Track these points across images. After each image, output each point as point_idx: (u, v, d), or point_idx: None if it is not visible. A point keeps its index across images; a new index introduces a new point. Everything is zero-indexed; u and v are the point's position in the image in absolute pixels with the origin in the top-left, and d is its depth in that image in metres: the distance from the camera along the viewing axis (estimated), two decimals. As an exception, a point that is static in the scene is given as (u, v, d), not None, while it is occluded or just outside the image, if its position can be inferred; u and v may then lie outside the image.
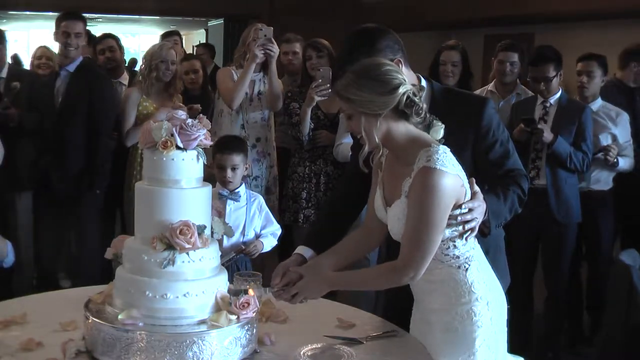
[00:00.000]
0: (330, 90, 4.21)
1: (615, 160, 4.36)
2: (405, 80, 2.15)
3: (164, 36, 6.26)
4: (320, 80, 4.19)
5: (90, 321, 2.13)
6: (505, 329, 2.34)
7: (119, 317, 2.08)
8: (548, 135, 4.14)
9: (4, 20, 14.72)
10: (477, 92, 4.86)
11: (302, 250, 2.52)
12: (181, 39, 6.33)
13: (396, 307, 2.62)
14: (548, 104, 4.31)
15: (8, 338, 2.25)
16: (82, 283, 3.42)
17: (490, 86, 4.87)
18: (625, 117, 4.49)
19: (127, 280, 2.14)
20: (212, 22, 13.47)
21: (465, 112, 2.50)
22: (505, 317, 2.34)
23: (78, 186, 4.46)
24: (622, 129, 4.46)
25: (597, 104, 4.49)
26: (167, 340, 2.03)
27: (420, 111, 2.18)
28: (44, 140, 4.46)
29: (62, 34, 4.42)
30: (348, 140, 4.21)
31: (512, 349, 2.54)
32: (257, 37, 4.30)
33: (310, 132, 4.36)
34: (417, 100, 2.16)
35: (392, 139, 2.18)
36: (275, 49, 4.34)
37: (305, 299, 2.30)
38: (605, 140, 4.42)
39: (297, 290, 2.27)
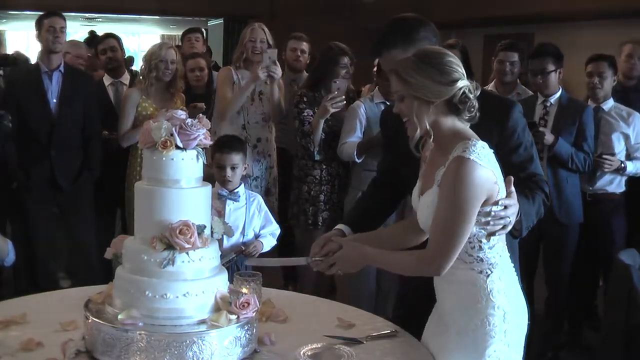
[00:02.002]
0: (345, 102, 4.21)
1: (622, 165, 4.33)
2: (464, 76, 2.15)
3: (186, 33, 6.27)
4: (336, 92, 4.17)
5: (90, 321, 2.13)
6: (522, 345, 2.26)
7: (119, 317, 2.09)
8: (549, 138, 4.13)
9: (4, 20, 14.71)
10: (476, 92, 4.84)
11: (342, 227, 2.58)
12: (203, 37, 6.30)
13: (407, 306, 2.67)
14: (548, 104, 4.30)
15: (8, 338, 2.25)
16: (81, 283, 3.42)
17: (491, 86, 4.86)
18: (637, 117, 4.44)
19: (127, 280, 2.14)
20: (212, 22, 13.46)
21: (492, 113, 2.46)
22: (525, 333, 2.25)
23: (76, 183, 4.48)
24: (634, 129, 4.42)
25: (609, 104, 4.47)
26: (167, 340, 2.03)
27: (472, 109, 2.17)
28: (39, 140, 4.44)
29: (47, 31, 4.43)
30: (352, 140, 4.22)
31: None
32: (261, 60, 4.31)
33: (321, 142, 4.34)
34: (472, 97, 2.15)
35: (437, 129, 2.17)
36: (279, 71, 4.35)
37: (340, 271, 2.32)
38: (617, 140, 4.39)
39: (335, 261, 2.29)
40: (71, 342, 2.13)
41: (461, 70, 2.14)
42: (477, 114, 2.19)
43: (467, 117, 2.18)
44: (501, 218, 2.14)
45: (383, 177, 2.84)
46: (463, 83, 2.13)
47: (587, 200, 4.41)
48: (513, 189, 2.20)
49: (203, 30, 6.40)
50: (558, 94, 4.29)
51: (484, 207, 2.10)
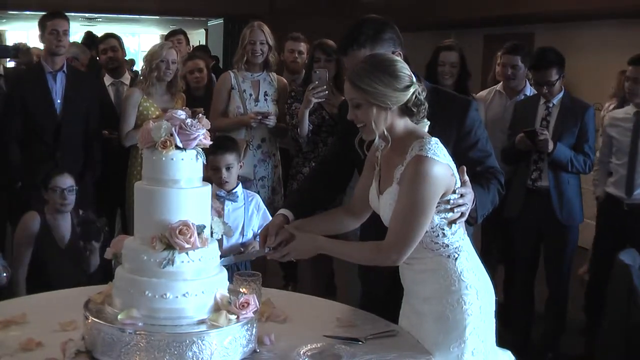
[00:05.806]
0: (327, 92, 4.20)
1: None
2: (414, 80, 2.22)
3: (168, 36, 6.25)
4: (317, 82, 4.17)
5: (89, 321, 2.13)
6: (494, 320, 2.37)
7: (119, 317, 2.09)
8: (551, 146, 4.11)
9: (4, 20, 14.72)
10: (484, 92, 4.90)
11: (285, 212, 2.61)
12: (186, 38, 6.29)
13: (372, 298, 2.77)
14: (551, 104, 4.27)
15: (8, 338, 2.25)
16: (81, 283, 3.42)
17: (499, 86, 4.85)
18: None
19: (127, 280, 2.14)
20: (212, 22, 13.47)
21: (450, 112, 2.60)
22: (494, 307, 2.37)
23: (81, 183, 4.50)
24: None
25: None
26: (167, 340, 2.03)
27: (424, 110, 2.27)
28: (44, 140, 4.45)
29: (50, 33, 4.43)
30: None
31: (512, 348, 2.54)
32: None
33: (309, 133, 4.34)
34: (422, 99, 2.24)
35: (391, 131, 2.25)
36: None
37: (294, 259, 2.45)
38: None
39: (289, 251, 2.38)
40: (71, 342, 2.13)
41: (410, 74, 2.23)
42: (426, 114, 2.29)
43: (419, 118, 2.28)
44: (459, 205, 2.25)
45: (330, 163, 2.88)
46: (415, 87, 2.22)
47: (625, 210, 4.27)
48: (466, 177, 2.30)
49: (185, 32, 6.34)
50: (561, 95, 4.27)
51: (443, 197, 2.20)
